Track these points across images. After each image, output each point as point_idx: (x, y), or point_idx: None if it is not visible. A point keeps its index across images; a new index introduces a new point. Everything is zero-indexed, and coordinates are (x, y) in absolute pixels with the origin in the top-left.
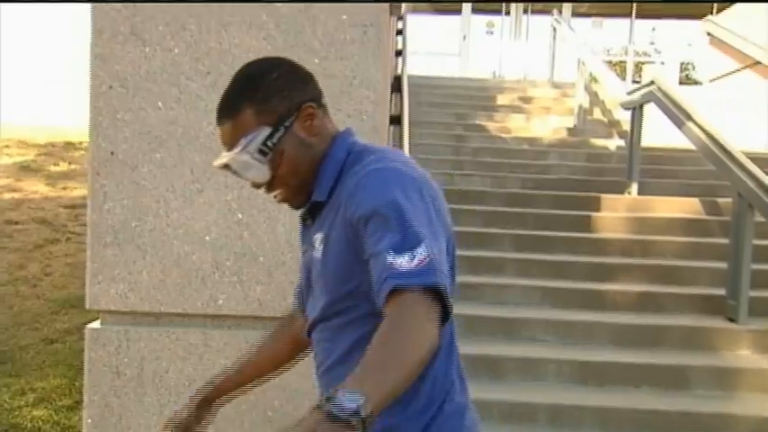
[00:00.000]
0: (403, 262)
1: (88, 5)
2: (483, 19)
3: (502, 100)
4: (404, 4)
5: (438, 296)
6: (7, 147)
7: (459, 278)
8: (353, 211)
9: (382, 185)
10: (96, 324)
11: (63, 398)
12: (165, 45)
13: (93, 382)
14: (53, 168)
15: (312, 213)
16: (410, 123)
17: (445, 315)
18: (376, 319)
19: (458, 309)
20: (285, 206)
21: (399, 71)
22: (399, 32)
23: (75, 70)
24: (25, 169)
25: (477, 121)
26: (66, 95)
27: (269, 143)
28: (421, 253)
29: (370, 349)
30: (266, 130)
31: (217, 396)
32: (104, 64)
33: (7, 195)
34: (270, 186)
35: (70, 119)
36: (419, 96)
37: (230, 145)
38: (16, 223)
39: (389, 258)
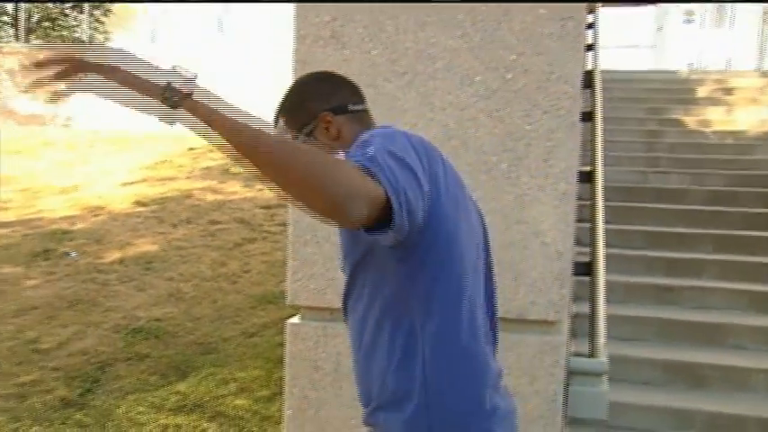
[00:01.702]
0: (355, 155)
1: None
2: (681, 7)
3: (701, 92)
4: None
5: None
6: (211, 151)
7: (654, 280)
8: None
9: (367, 135)
10: (296, 319)
11: (262, 389)
12: (364, 47)
13: (293, 375)
14: None
15: None
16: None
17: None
18: (396, 307)
19: (653, 312)
20: None
21: (590, 66)
22: (590, 26)
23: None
24: (226, 172)
25: (673, 116)
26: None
27: None
28: (370, 152)
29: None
30: (292, 136)
31: None
32: (306, 68)
33: (210, 197)
34: None
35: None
36: (610, 92)
37: None
38: (218, 223)
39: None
